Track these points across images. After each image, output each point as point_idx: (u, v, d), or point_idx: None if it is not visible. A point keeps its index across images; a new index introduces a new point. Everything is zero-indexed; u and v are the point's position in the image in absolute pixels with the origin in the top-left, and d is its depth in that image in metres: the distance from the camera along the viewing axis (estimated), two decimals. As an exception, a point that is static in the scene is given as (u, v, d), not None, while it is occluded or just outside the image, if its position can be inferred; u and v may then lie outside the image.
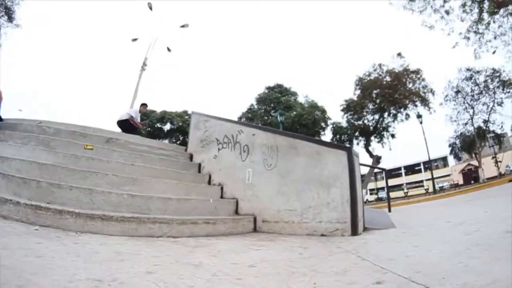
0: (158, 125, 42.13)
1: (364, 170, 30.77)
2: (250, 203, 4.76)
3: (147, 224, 3.24)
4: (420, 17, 17.33)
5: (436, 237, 3.31)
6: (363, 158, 38.01)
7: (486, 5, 15.39)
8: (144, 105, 10.95)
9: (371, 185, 59.95)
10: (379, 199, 47.52)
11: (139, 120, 10.05)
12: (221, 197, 5.15)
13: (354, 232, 3.87)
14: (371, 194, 60.83)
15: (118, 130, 9.24)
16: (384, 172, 11.09)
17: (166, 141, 40.45)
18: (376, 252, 2.79)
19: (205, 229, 3.76)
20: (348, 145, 4.19)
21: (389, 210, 9.23)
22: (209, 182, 5.58)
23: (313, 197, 4.19)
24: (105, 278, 1.62)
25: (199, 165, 6.12)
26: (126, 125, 9.55)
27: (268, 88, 41.89)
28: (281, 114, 25.43)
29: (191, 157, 6.60)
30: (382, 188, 62.85)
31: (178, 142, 37.10)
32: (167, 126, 42.37)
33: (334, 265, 2.30)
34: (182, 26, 22.29)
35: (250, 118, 38.71)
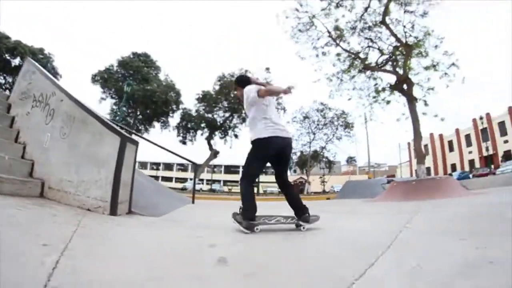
0: (7, 56, 36.63)
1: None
2: (42, 168, 4.89)
3: None
4: (297, 46, 19.79)
5: (169, 234, 3.76)
6: (203, 149, 40.34)
7: (357, 62, 18.01)
8: None
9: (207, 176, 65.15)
10: (212, 190, 55.46)
11: None
12: (22, 157, 5.20)
13: (113, 212, 4.27)
14: (207, 184, 69.27)
15: None
16: (195, 166, 12.33)
17: (10, 79, 36.29)
18: (98, 231, 3.30)
19: None
20: (124, 133, 4.80)
21: (193, 202, 10.20)
22: (16, 140, 5.56)
23: (87, 173, 4.51)
24: None
25: (13, 118, 6.00)
26: None
27: (134, 54, 41.58)
28: (129, 84, 25.28)
29: (9, 107, 6.39)
30: (219, 181, 68.60)
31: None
32: (17, 61, 36.61)
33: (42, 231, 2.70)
34: None
35: (105, 79, 37.36)
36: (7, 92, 8.51)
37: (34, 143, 5.28)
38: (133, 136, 5.39)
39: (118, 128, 4.87)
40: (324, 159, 55.49)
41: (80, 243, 2.47)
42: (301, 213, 4.10)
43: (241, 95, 4.36)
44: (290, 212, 4.18)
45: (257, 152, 4.12)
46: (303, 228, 4.01)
